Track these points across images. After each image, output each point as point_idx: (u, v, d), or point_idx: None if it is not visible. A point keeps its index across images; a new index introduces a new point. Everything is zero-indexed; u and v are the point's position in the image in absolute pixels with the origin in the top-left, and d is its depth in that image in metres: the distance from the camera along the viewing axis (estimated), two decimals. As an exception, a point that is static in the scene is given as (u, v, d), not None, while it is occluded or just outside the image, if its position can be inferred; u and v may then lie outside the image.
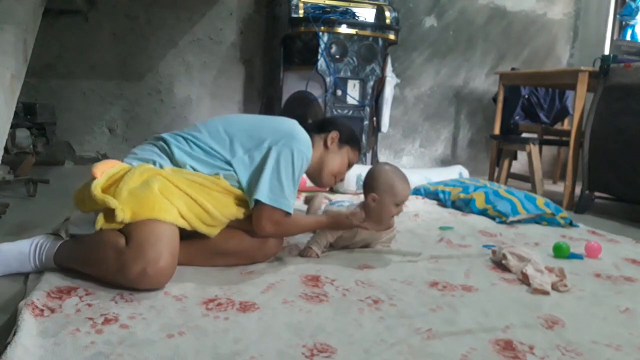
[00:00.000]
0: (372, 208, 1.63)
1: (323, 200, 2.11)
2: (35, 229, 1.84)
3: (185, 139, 1.54)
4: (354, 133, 1.79)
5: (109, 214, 1.30)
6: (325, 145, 1.70)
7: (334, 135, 1.69)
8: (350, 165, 1.77)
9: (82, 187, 1.37)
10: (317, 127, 1.74)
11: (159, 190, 1.35)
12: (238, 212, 1.48)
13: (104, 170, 1.37)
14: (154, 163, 1.46)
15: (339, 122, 1.77)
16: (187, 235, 1.43)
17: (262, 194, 1.44)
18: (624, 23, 4.00)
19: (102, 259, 1.28)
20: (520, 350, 1.08)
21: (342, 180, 1.78)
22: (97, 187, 1.31)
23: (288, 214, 1.48)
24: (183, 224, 1.36)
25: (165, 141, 1.53)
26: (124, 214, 1.29)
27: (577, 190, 2.95)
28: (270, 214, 1.46)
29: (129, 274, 1.23)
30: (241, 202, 1.49)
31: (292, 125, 1.61)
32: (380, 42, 3.27)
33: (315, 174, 1.73)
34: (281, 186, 1.46)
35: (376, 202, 1.62)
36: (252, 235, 1.51)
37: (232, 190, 1.47)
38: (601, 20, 4.32)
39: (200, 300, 1.24)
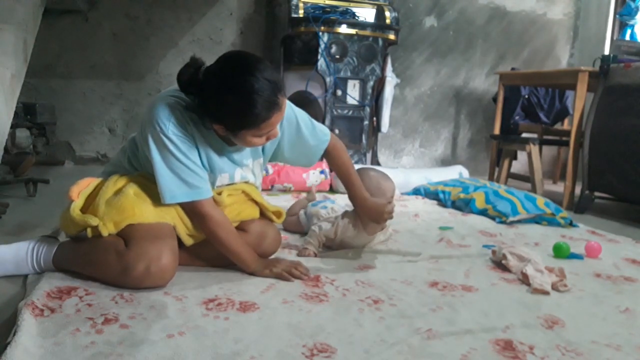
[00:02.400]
0: (356, 213, 1.68)
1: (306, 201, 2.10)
2: (35, 229, 1.84)
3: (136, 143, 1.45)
4: (250, 110, 1.25)
5: (95, 228, 1.31)
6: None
7: (216, 127, 1.33)
8: (270, 128, 1.33)
9: (64, 211, 1.35)
10: (200, 104, 1.33)
11: (134, 194, 1.34)
12: None
13: (81, 191, 1.36)
14: (126, 171, 1.44)
15: (222, 107, 1.27)
16: None
17: (167, 195, 1.32)
18: (623, 23, 4.00)
19: (103, 263, 1.28)
20: (520, 350, 1.08)
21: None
22: (75, 210, 1.31)
23: (207, 198, 1.35)
24: (167, 219, 1.36)
25: (126, 149, 1.50)
26: (106, 228, 1.29)
27: (577, 190, 2.96)
28: (191, 209, 1.36)
29: (132, 274, 1.24)
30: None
31: (153, 101, 1.35)
32: (380, 42, 3.26)
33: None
34: (176, 177, 1.31)
35: None
36: (250, 235, 1.50)
37: None
38: (601, 20, 4.32)
39: (200, 300, 1.24)
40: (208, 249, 1.45)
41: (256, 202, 1.56)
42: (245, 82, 1.25)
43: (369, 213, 1.61)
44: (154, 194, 1.36)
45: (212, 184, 1.44)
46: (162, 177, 1.31)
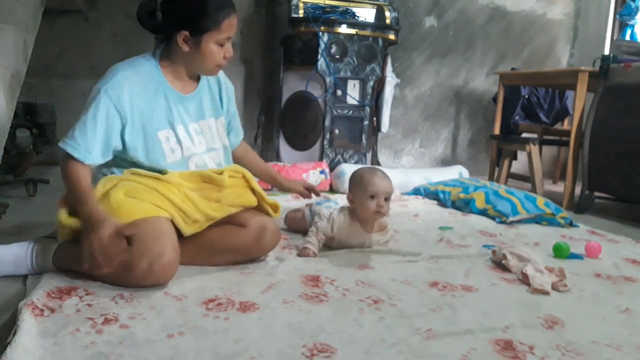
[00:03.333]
0: (353, 209, 1.70)
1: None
2: (35, 229, 1.84)
3: None
4: (208, 4, 1.39)
5: None
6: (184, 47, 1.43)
7: (181, 37, 1.41)
8: (229, 38, 1.45)
9: (58, 221, 1.37)
10: (160, 31, 1.48)
11: (125, 194, 1.35)
12: (207, 207, 1.44)
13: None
14: (112, 172, 1.45)
15: (181, 12, 1.41)
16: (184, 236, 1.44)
17: (65, 137, 1.38)
18: (623, 23, 4.00)
19: None
20: (520, 350, 1.08)
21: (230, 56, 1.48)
22: (62, 214, 1.33)
23: (77, 157, 1.35)
24: (164, 213, 1.36)
25: None
26: None
27: (577, 190, 2.96)
28: (62, 161, 1.37)
29: (135, 271, 1.24)
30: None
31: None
32: (380, 42, 3.26)
33: (196, 71, 1.51)
34: (73, 129, 1.37)
35: (353, 201, 1.69)
36: (249, 230, 1.50)
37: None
38: (601, 20, 4.32)
39: (200, 300, 1.24)
40: (208, 246, 1.46)
41: (255, 193, 1.56)
42: None
43: (294, 189, 1.86)
44: (147, 190, 1.37)
45: (178, 140, 1.46)
46: (77, 120, 1.38)
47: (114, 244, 1.20)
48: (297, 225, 1.95)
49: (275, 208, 1.61)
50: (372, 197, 1.64)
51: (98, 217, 1.24)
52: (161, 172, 1.42)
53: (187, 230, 1.41)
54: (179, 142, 1.47)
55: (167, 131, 1.45)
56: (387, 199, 1.66)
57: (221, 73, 1.61)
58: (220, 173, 1.48)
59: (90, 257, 1.21)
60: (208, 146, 1.53)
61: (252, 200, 1.56)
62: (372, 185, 1.65)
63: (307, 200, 2.00)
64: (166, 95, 1.46)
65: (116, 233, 1.21)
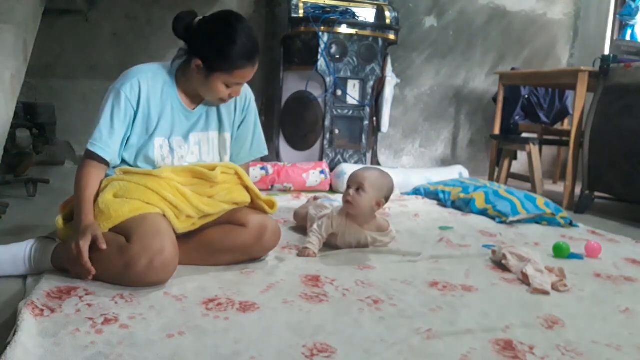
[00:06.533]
0: None
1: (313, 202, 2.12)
2: (35, 229, 1.84)
3: None
4: (230, 49, 1.40)
5: None
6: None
7: (195, 63, 1.45)
8: (239, 84, 1.47)
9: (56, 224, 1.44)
10: (189, 45, 1.50)
11: (114, 195, 1.37)
12: (199, 202, 1.44)
13: (68, 204, 1.44)
14: (106, 176, 1.46)
15: (205, 42, 1.43)
16: (184, 235, 1.44)
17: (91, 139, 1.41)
18: (623, 23, 4.00)
19: (105, 259, 1.27)
20: (520, 350, 1.08)
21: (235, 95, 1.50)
22: (58, 221, 1.40)
23: (98, 155, 1.39)
24: (153, 209, 1.37)
25: None
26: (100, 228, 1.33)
27: (577, 190, 2.96)
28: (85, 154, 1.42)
29: (135, 268, 1.24)
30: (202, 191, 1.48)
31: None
32: (380, 42, 3.26)
33: (202, 95, 1.51)
34: (94, 129, 1.41)
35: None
36: (250, 229, 1.49)
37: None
38: (601, 20, 4.32)
39: (200, 300, 1.24)
40: (208, 245, 1.47)
41: (248, 190, 1.55)
42: (235, 27, 1.41)
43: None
44: (136, 188, 1.38)
45: (171, 148, 1.49)
46: (98, 121, 1.41)
47: (85, 254, 1.24)
48: (302, 222, 1.97)
49: (271, 204, 1.59)
50: (348, 187, 1.72)
51: (83, 227, 1.29)
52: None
53: (180, 226, 1.41)
54: (171, 150, 1.49)
55: (162, 139, 1.48)
56: (359, 189, 1.68)
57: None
58: (213, 169, 1.48)
59: (72, 264, 1.28)
60: (201, 158, 1.55)
61: (245, 197, 1.54)
62: (354, 176, 1.72)
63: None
64: (173, 106, 1.49)
65: (92, 242, 1.26)
